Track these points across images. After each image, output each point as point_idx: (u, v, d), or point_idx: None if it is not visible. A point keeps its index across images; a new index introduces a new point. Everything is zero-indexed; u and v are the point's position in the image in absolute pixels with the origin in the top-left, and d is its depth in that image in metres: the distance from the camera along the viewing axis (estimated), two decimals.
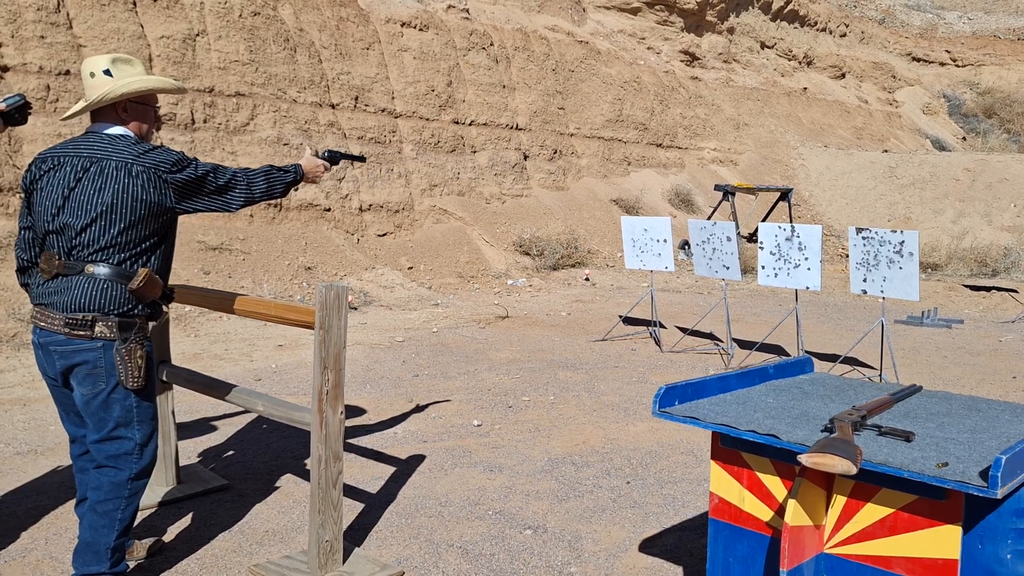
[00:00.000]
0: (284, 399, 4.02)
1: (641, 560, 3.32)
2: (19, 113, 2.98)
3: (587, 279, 12.14)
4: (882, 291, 6.05)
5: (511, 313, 9.32)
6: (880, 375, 6.30)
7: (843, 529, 2.10)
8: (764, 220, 16.90)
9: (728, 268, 7.06)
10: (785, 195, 16.59)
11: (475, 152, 14.03)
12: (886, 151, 22.19)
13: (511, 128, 14.85)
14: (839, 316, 9.85)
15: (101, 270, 2.64)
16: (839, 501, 2.11)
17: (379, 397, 5.74)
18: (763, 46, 25.63)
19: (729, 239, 6.96)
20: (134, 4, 10.31)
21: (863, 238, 6.10)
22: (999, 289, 10.93)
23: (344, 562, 3.13)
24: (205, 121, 10.47)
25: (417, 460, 4.47)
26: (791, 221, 16.58)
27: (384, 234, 11.76)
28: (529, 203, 14.33)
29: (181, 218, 3.22)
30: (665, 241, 7.57)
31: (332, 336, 2.99)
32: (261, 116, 11.05)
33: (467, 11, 15.07)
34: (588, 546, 3.45)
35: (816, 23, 28.37)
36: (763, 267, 6.66)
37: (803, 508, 2.06)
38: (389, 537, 3.49)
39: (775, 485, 2.23)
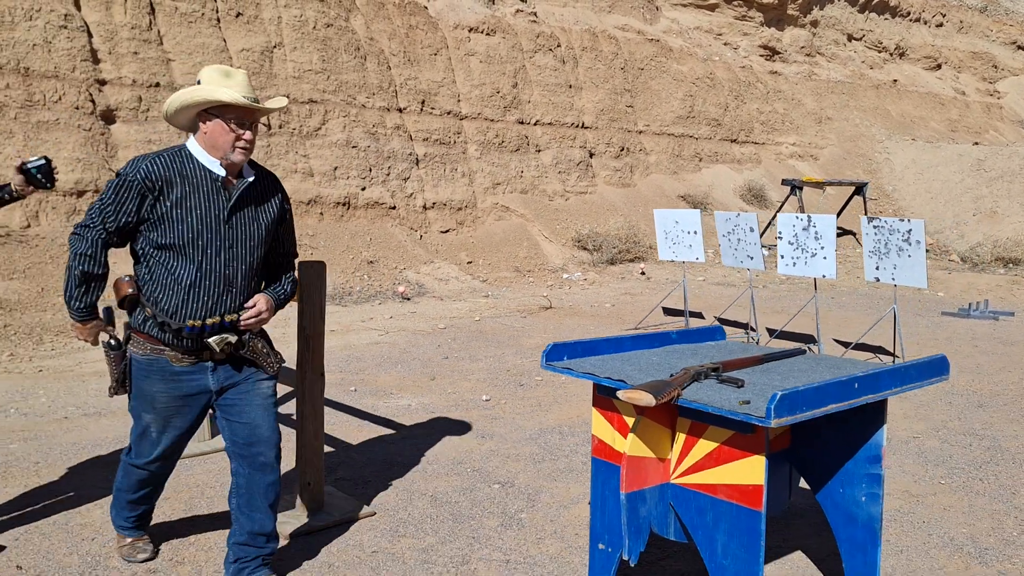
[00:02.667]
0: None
1: (586, 511, 3.70)
2: (44, 176, 3.00)
3: (643, 273, 12.40)
4: (893, 278, 6.18)
5: (557, 304, 9.73)
6: (894, 360, 6.41)
7: (683, 462, 2.47)
8: (839, 215, 16.69)
9: (752, 258, 7.27)
10: (860, 189, 16.34)
11: (539, 151, 14.47)
12: (976, 143, 21.38)
13: (576, 127, 15.21)
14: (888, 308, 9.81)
15: None
16: (680, 438, 2.48)
17: (405, 375, 6.27)
18: (850, 38, 25.04)
19: (752, 230, 7.18)
20: (218, 20, 11.24)
21: (874, 227, 6.24)
22: None
23: (324, 503, 3.65)
24: (280, 127, 11.30)
25: (420, 427, 4.97)
26: (866, 215, 16.31)
27: (447, 230, 12.35)
28: (593, 200, 14.67)
29: None
30: (695, 233, 7.83)
31: (313, 308, 3.51)
32: (332, 121, 11.82)
33: (535, 14, 15.53)
34: (545, 498, 3.86)
35: (909, 14, 27.47)
36: (782, 256, 6.86)
37: (643, 442, 2.44)
38: (374, 486, 3.99)
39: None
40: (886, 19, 26.57)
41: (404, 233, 11.64)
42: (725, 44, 20.75)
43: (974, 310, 8.98)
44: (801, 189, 15.03)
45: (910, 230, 6.00)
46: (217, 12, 11.22)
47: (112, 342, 2.74)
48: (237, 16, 11.41)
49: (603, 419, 2.68)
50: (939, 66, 28.23)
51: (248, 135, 2.71)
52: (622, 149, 15.93)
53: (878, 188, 19.62)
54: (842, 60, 24.02)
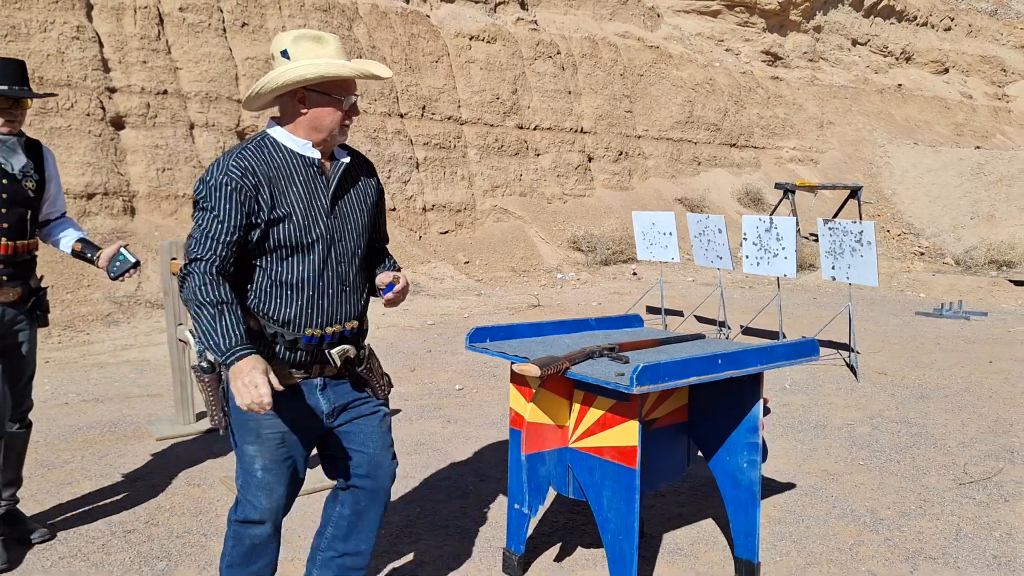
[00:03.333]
0: None
1: None
2: (129, 266, 3.27)
3: (634, 274, 12.75)
4: (847, 277, 6.52)
5: (546, 303, 10.11)
6: (850, 354, 6.73)
7: (578, 429, 2.84)
8: (834, 218, 16.95)
9: (721, 258, 7.62)
10: (855, 193, 16.59)
11: (538, 155, 14.86)
12: (979, 147, 21.53)
13: (575, 131, 15.59)
14: (867, 308, 10.11)
15: None
16: (576, 408, 2.85)
17: (387, 367, 6.67)
18: (855, 43, 25.25)
19: (720, 231, 7.53)
20: (224, 30, 11.73)
21: (829, 229, 6.58)
22: None
23: None
24: None
25: (392, 412, 5.37)
26: (860, 219, 16.57)
27: (445, 232, 12.77)
28: (591, 203, 15.04)
29: None
30: (671, 234, 8.19)
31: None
32: None
33: (535, 22, 15.93)
34: (493, 473, 4.24)
35: (916, 18, 27.61)
36: (747, 257, 7.21)
37: (542, 411, 2.82)
38: None
39: None
40: (892, 23, 26.74)
41: (403, 234, 12.06)
42: (727, 50, 21.05)
43: (947, 310, 9.27)
44: (794, 192, 15.33)
45: (862, 231, 6.33)
46: (223, 22, 11.71)
47: (204, 364, 2.27)
48: (243, 26, 11.89)
49: (517, 393, 3.06)
50: (946, 70, 28.34)
51: (356, 110, 2.37)
52: (620, 153, 16.28)
53: (877, 192, 19.83)
54: (846, 65, 24.24)
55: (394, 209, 12.30)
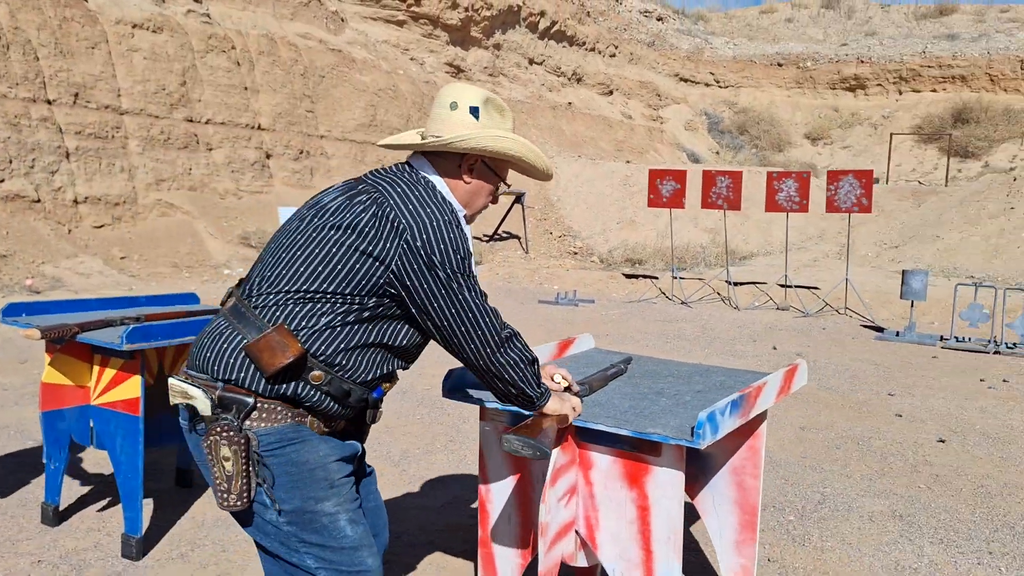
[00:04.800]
0: None
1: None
2: None
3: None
4: None
5: (208, 300, 10.17)
6: None
7: (98, 387, 3.24)
8: (502, 221, 18.61)
9: None
10: (519, 198, 18.32)
11: (211, 150, 14.70)
12: (629, 162, 24.67)
13: (252, 128, 15.62)
14: (501, 298, 11.42)
15: None
16: (95, 369, 3.25)
17: (2, 358, 6.50)
18: (531, 62, 27.65)
19: None
20: None
21: None
22: (645, 276, 12.94)
23: None
24: None
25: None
26: (524, 223, 18.36)
27: (100, 226, 12.26)
28: (268, 199, 15.16)
29: None
30: None
31: None
32: None
33: (208, 15, 15.71)
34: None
35: (585, 43, 30.83)
36: None
37: (59, 372, 3.18)
38: None
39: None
40: (564, 47, 29.63)
41: (49, 227, 11.41)
42: (412, 59, 22.13)
43: (562, 298, 10.77)
44: None
45: None
46: None
47: (230, 419, 1.82)
48: None
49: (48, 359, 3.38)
50: (611, 92, 31.95)
51: (497, 199, 2.15)
52: (301, 152, 16.56)
53: (545, 199, 21.99)
54: (523, 82, 26.49)
55: (39, 201, 11.59)
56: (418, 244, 1.83)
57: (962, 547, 3.55)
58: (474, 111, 1.99)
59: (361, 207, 1.88)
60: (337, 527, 1.88)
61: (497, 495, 2.54)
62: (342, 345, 1.87)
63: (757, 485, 2.82)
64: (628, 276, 13.18)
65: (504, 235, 19.06)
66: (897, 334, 8.83)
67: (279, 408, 1.85)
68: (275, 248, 1.93)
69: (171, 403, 1.89)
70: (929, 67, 31.64)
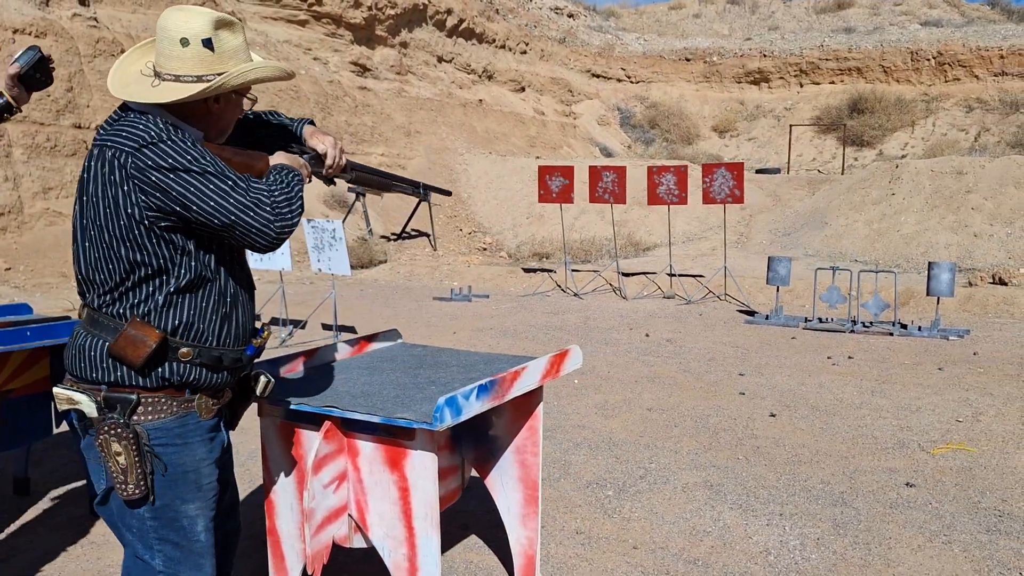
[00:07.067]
0: None
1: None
2: (40, 72, 2.36)
3: None
4: (330, 268, 7.56)
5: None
6: (335, 329, 7.80)
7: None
8: (409, 219, 18.70)
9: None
10: (425, 196, 18.39)
11: None
12: (539, 158, 25.02)
13: None
14: (397, 295, 11.54)
15: None
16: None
17: None
18: (440, 60, 27.75)
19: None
20: None
21: (312, 227, 7.58)
22: (542, 271, 13.24)
23: None
24: None
25: None
26: (431, 219, 18.49)
27: None
28: None
29: None
30: None
31: None
32: None
33: (96, 19, 15.37)
34: None
35: (495, 40, 31.06)
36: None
37: None
38: None
39: None
40: (474, 44, 29.81)
41: None
42: (315, 59, 21.99)
43: (456, 294, 10.96)
44: (364, 195, 16.65)
45: (335, 229, 7.42)
46: None
47: (115, 417, 1.90)
48: None
49: None
50: (523, 88, 32.28)
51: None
52: None
53: (456, 195, 22.15)
54: (432, 79, 26.58)
55: None
56: (148, 164, 1.81)
57: (757, 511, 3.86)
58: (207, 43, 1.91)
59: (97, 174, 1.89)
60: (195, 530, 1.99)
61: (280, 486, 2.70)
62: (190, 311, 1.93)
63: (537, 462, 3.05)
64: (527, 270, 13.45)
65: (412, 233, 19.15)
66: (767, 318, 9.29)
67: (163, 400, 1.92)
68: (76, 249, 1.95)
69: (59, 410, 1.96)
70: (827, 60, 32.88)
